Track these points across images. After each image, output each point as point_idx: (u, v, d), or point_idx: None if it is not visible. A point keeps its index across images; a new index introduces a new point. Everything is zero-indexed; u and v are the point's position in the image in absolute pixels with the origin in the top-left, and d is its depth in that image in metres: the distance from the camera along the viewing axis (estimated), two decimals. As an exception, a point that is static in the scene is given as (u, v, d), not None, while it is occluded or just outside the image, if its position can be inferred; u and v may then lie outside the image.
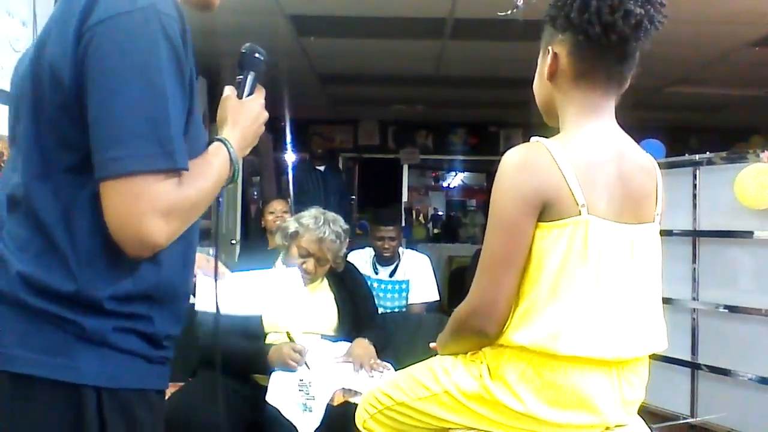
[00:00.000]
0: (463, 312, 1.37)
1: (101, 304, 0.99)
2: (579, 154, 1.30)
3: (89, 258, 0.99)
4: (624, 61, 1.34)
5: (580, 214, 1.27)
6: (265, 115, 1.25)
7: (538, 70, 1.44)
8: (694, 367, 3.54)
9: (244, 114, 1.20)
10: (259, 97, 1.26)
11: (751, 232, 3.16)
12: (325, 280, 2.59)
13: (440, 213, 8.30)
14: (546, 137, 1.33)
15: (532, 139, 1.34)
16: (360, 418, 1.59)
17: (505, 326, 1.32)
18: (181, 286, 1.13)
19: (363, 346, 2.41)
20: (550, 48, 1.38)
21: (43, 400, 0.97)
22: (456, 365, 1.41)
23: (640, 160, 1.39)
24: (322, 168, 5.82)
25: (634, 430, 1.40)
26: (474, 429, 1.38)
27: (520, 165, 1.31)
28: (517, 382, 1.30)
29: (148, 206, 0.93)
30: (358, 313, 2.61)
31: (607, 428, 1.36)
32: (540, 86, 1.45)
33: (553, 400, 1.29)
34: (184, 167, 0.97)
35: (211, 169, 1.07)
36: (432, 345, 1.54)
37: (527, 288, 1.30)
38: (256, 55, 1.28)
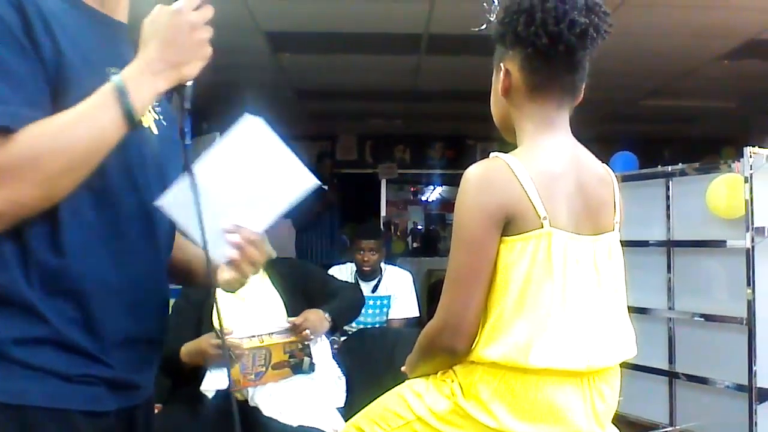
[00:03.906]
0: (431, 330, 1.37)
1: (2, 304, 0.88)
2: (537, 167, 1.31)
3: None
4: (574, 71, 1.37)
5: (542, 227, 1.28)
6: (195, 27, 0.97)
7: (492, 88, 1.47)
8: (671, 375, 3.58)
9: (159, 24, 0.96)
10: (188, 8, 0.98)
11: (724, 242, 3.21)
12: (267, 279, 2.45)
13: (419, 227, 8.31)
14: (505, 152, 1.35)
15: (491, 154, 1.36)
16: None
17: (474, 343, 1.32)
18: (103, 284, 0.97)
19: (315, 312, 2.30)
20: (501, 65, 1.40)
21: None
22: (428, 387, 1.40)
23: (596, 171, 1.42)
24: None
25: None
26: None
27: (481, 181, 1.32)
28: (491, 399, 1.30)
29: None
30: (313, 296, 2.52)
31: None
32: (495, 103, 1.47)
33: (526, 415, 1.30)
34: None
35: (69, 116, 0.89)
36: (403, 369, 1.54)
37: (494, 303, 1.31)
38: None
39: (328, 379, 2.23)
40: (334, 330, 2.51)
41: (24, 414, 0.89)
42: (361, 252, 3.54)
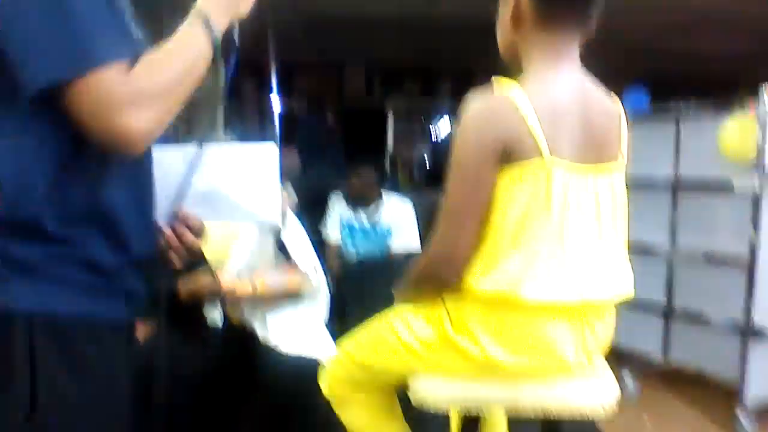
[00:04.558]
0: (424, 260, 1.38)
1: (33, 228, 0.95)
2: (542, 99, 1.28)
3: (17, 179, 0.95)
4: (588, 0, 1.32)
5: (542, 158, 1.26)
6: None
7: (500, 16, 1.43)
8: (668, 311, 3.61)
9: None
10: None
11: (731, 183, 3.18)
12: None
13: (426, 161, 8.25)
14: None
15: (495, 81, 1.32)
16: (324, 383, 1.61)
17: (467, 273, 1.33)
18: (126, 215, 1.05)
19: None
20: None
21: None
22: (416, 315, 1.42)
23: (604, 104, 1.39)
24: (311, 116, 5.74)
25: (594, 376, 1.43)
26: (435, 377, 1.40)
27: (482, 113, 1.30)
28: (479, 329, 1.32)
29: (101, 105, 0.90)
30: None
31: (568, 373, 1.39)
32: (502, 32, 1.43)
33: (514, 347, 1.31)
34: (113, 56, 0.91)
35: (177, 46, 1.00)
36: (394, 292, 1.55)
37: (490, 234, 1.30)
38: None
39: (321, 300, 2.18)
40: None
41: (54, 323, 0.95)
42: (350, 179, 3.52)
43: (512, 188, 1.28)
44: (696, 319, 3.42)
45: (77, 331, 0.99)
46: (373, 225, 3.56)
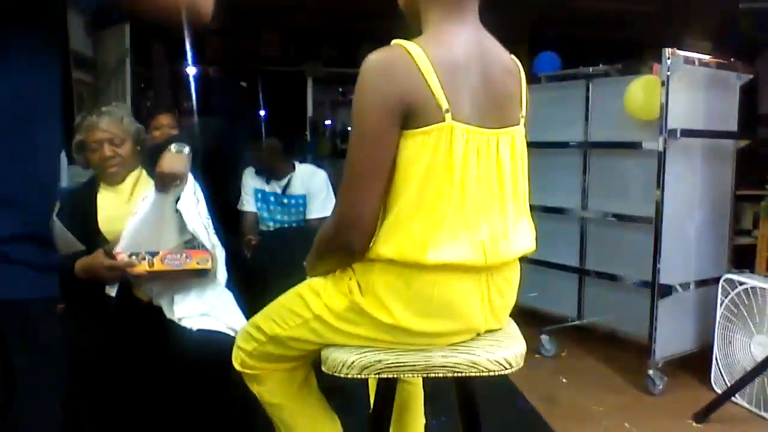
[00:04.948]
0: (329, 228, 1.34)
1: None
2: (441, 56, 1.26)
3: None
4: None
5: (444, 120, 1.24)
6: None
7: None
8: (582, 272, 3.72)
9: None
10: None
11: (640, 143, 3.27)
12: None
13: (347, 128, 8.19)
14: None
15: (393, 42, 1.29)
16: (236, 358, 1.56)
17: (373, 240, 1.30)
18: (51, 185, 1.02)
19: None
20: None
21: None
22: (326, 285, 1.39)
23: (503, 61, 1.38)
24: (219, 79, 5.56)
25: (501, 334, 1.44)
26: (346, 347, 1.38)
27: (381, 70, 1.26)
28: (387, 295, 1.30)
29: None
30: None
31: (477, 334, 1.39)
32: None
33: (422, 311, 1.30)
34: None
35: None
36: (304, 263, 1.51)
37: (393, 199, 1.28)
38: None
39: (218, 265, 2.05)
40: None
41: (14, 305, 0.91)
42: (257, 151, 3.45)
43: (415, 152, 1.25)
44: (608, 278, 3.54)
45: (37, 314, 0.96)
46: (287, 195, 3.49)
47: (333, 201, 3.54)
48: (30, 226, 0.94)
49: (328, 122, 7.93)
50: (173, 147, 1.96)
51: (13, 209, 0.91)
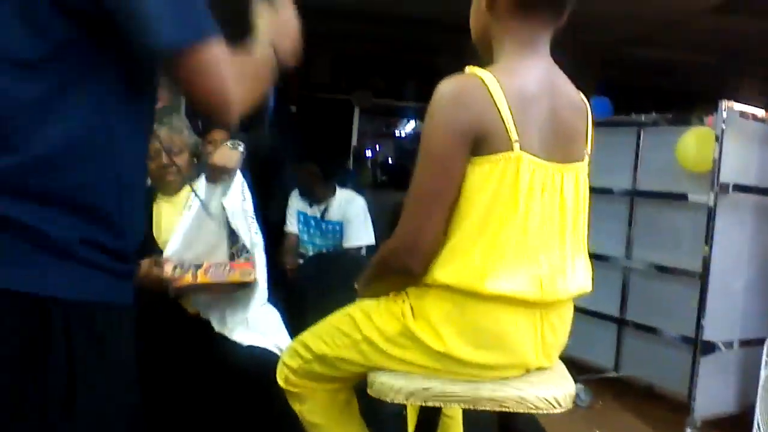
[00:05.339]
0: (388, 249, 1.34)
1: (68, 209, 0.93)
2: (514, 87, 1.27)
3: (64, 160, 0.93)
4: None
5: (512, 150, 1.24)
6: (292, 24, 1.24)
7: (474, 2, 1.41)
8: (621, 323, 3.64)
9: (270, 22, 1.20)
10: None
11: (686, 195, 3.22)
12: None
13: (389, 159, 8.25)
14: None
15: (467, 69, 1.30)
16: (281, 374, 1.55)
17: (431, 265, 1.29)
18: (137, 196, 1.06)
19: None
20: None
21: (9, 313, 0.91)
22: (378, 307, 1.38)
23: (572, 98, 1.38)
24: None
25: (551, 374, 1.41)
26: (393, 371, 1.36)
27: (454, 97, 1.27)
28: (440, 322, 1.28)
29: (212, 71, 0.96)
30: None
31: (527, 370, 1.37)
32: (476, 17, 1.41)
33: (474, 341, 1.28)
34: (217, 31, 0.98)
35: (252, 57, 1.11)
36: (356, 286, 1.51)
37: (455, 225, 1.28)
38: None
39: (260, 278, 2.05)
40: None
41: (85, 309, 0.94)
42: (297, 173, 3.49)
43: (481, 180, 1.25)
44: (648, 331, 3.46)
45: (105, 318, 0.98)
46: (325, 220, 3.51)
47: (370, 229, 3.57)
48: (105, 234, 0.97)
49: (369, 153, 7.99)
50: (229, 143, 2.00)
51: (87, 216, 0.95)
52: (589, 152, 1.41)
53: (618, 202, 3.67)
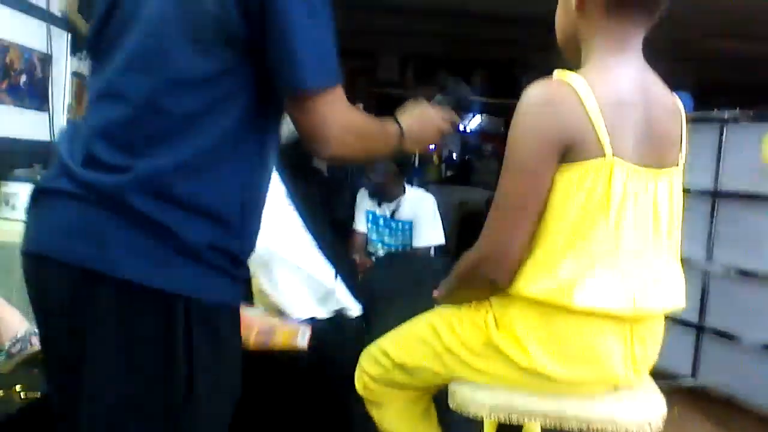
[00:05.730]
0: (472, 259, 1.31)
1: (201, 215, 1.03)
2: (605, 91, 1.21)
3: (203, 170, 1.03)
4: None
5: (604, 156, 1.19)
6: (441, 124, 1.38)
7: (561, 2, 1.36)
8: (700, 329, 3.51)
9: (420, 112, 1.34)
10: (443, 111, 1.39)
11: (773, 197, 3.07)
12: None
13: (455, 155, 8.17)
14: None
15: (555, 72, 1.25)
16: (360, 381, 1.55)
17: (516, 276, 1.26)
18: (259, 209, 1.16)
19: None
20: None
21: (139, 305, 1.00)
22: (460, 318, 1.35)
23: (666, 101, 1.32)
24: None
25: (640, 391, 1.35)
26: (476, 383, 1.34)
27: (543, 103, 1.22)
28: (525, 335, 1.25)
29: (328, 115, 1.05)
30: None
31: (615, 387, 1.32)
32: (564, 17, 1.36)
33: (561, 356, 1.24)
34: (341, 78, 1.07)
35: (381, 125, 1.21)
36: (435, 294, 1.48)
37: (542, 234, 1.23)
38: (461, 92, 1.48)
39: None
40: None
41: (206, 307, 1.04)
42: (368, 175, 3.46)
43: (570, 188, 1.20)
44: (728, 338, 3.32)
45: (221, 316, 1.08)
46: (395, 219, 3.50)
47: (440, 228, 3.53)
48: (228, 240, 1.06)
49: (433, 148, 7.94)
50: None
51: (216, 222, 1.04)
52: (684, 156, 1.34)
53: (698, 203, 3.53)
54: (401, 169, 3.48)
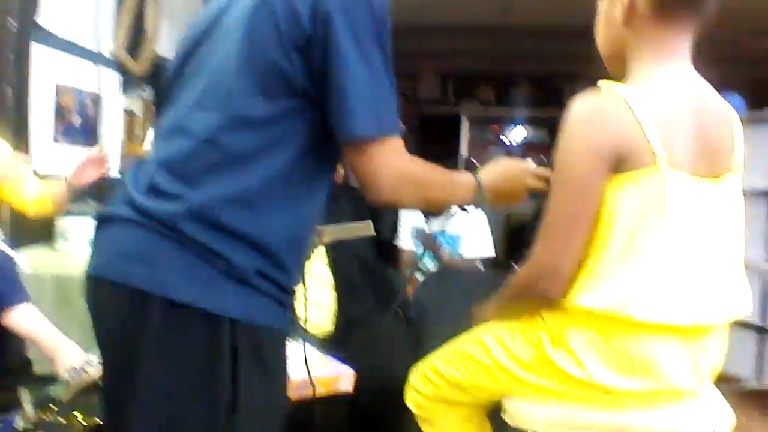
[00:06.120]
0: (525, 275, 1.29)
1: (252, 246, 1.07)
2: (656, 100, 1.19)
3: (253, 203, 1.07)
4: None
5: (657, 166, 1.17)
6: (530, 181, 1.38)
7: (603, 13, 1.34)
8: (762, 331, 3.39)
9: (507, 166, 1.37)
10: (528, 164, 1.40)
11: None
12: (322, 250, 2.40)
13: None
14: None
15: (602, 84, 1.23)
16: (411, 399, 1.54)
17: (571, 289, 1.24)
18: (305, 245, 1.20)
19: None
20: None
21: (188, 326, 1.04)
22: (511, 333, 1.34)
23: (719, 110, 1.28)
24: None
25: (706, 401, 1.31)
26: (530, 399, 1.32)
27: (592, 115, 1.21)
28: (583, 350, 1.22)
29: (384, 164, 1.09)
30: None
31: (678, 398, 1.28)
32: (607, 30, 1.34)
33: (620, 367, 1.21)
34: (399, 129, 1.11)
35: (449, 175, 1.23)
36: (476, 311, 1.48)
37: (597, 246, 1.21)
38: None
39: None
40: None
41: (252, 330, 1.07)
42: None
43: (623, 198, 1.18)
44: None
45: (266, 338, 1.11)
46: (443, 233, 3.49)
47: (489, 241, 3.51)
48: (274, 270, 1.10)
49: (478, 162, 7.89)
50: None
51: (262, 252, 1.08)
52: (740, 164, 1.31)
53: (756, 204, 3.43)
54: None
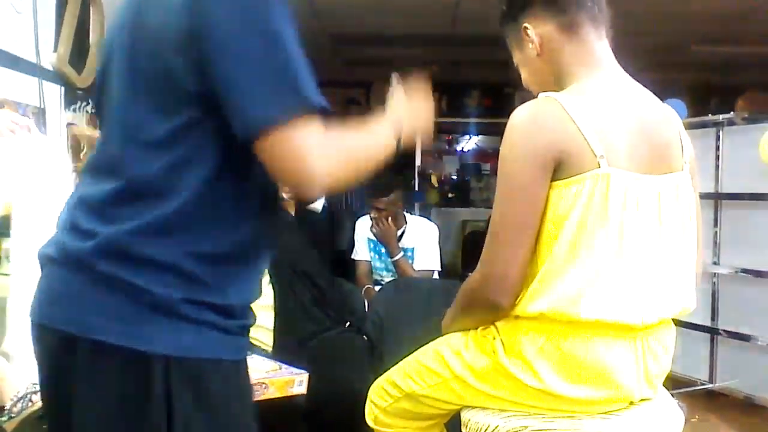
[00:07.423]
0: (474, 283, 1.29)
1: (174, 274, 0.98)
2: (592, 105, 1.22)
3: (174, 229, 0.99)
4: None
5: (599, 167, 1.18)
6: (424, 102, 1.26)
7: (520, 62, 1.41)
8: (713, 332, 3.47)
9: (403, 98, 1.23)
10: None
11: (774, 195, 3.06)
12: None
13: (454, 177, 8.17)
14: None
15: (541, 95, 1.26)
16: (370, 414, 1.53)
17: (520, 296, 1.24)
18: (257, 257, 1.10)
19: None
20: (525, 30, 1.34)
21: (115, 367, 0.97)
22: (467, 344, 1.34)
23: (654, 107, 1.32)
24: None
25: (657, 404, 1.33)
26: (488, 409, 1.32)
27: (530, 121, 1.23)
28: (536, 358, 1.23)
29: (300, 149, 0.93)
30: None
31: (631, 403, 1.30)
32: (528, 69, 1.39)
33: (573, 375, 1.22)
34: (318, 104, 0.96)
35: (366, 132, 1.09)
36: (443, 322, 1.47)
37: (543, 253, 1.22)
38: None
39: None
40: None
41: (188, 364, 0.98)
42: (372, 209, 3.44)
43: (567, 202, 1.20)
44: (742, 339, 3.28)
45: (208, 372, 1.01)
46: (398, 247, 3.49)
47: (437, 256, 3.52)
48: (204, 294, 1.00)
49: (432, 171, 7.94)
50: None
51: (185, 277, 0.99)
52: (688, 160, 1.34)
53: (701, 206, 3.50)
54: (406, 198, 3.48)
